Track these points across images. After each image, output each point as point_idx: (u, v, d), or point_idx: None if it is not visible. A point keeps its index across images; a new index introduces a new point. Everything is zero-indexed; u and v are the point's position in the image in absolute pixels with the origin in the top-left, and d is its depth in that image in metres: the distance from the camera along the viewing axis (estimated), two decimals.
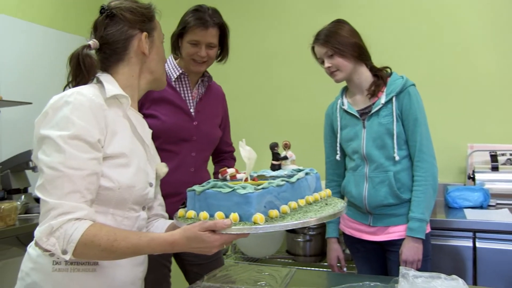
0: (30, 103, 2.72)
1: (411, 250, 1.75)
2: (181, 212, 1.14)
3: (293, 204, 1.08)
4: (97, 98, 1.11)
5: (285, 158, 1.27)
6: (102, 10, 1.22)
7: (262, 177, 1.21)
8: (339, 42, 1.80)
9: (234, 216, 0.99)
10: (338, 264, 2.04)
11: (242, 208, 1.00)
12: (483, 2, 2.84)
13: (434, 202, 1.82)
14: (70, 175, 1.02)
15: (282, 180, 1.09)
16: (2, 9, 2.95)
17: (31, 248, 1.16)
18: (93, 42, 1.21)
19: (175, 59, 1.90)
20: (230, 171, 1.19)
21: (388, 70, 1.90)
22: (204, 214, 1.05)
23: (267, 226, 0.98)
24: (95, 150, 1.07)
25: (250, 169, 1.10)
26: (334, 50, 1.80)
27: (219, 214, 1.02)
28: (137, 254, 1.09)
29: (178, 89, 1.88)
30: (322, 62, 1.87)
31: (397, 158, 1.79)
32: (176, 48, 1.87)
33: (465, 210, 2.38)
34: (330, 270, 2.11)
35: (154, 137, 1.84)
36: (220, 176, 1.21)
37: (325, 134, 2.06)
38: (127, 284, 1.19)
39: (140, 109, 1.82)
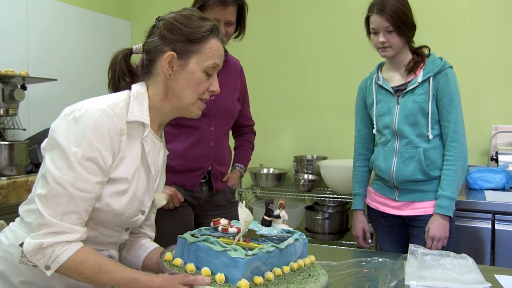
0: (55, 80, 2.80)
1: (439, 228, 1.78)
2: (168, 256, 1.14)
3: (277, 271, 1.09)
4: (120, 121, 1.09)
5: (278, 216, 1.29)
6: (156, 18, 1.21)
7: (252, 233, 1.21)
8: (404, 21, 1.78)
9: (220, 277, 1.01)
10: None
11: (229, 271, 1.01)
12: None
13: (462, 182, 1.85)
14: (74, 196, 1.02)
15: (272, 246, 1.10)
16: None
17: (3, 236, 1.17)
18: (137, 47, 1.22)
19: None
20: (223, 222, 1.21)
21: (427, 49, 1.90)
22: (191, 267, 1.06)
23: None
24: (104, 174, 1.06)
25: (244, 231, 1.12)
26: (397, 29, 1.78)
27: (205, 271, 1.03)
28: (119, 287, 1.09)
29: None
30: (374, 33, 1.84)
31: (430, 136, 1.81)
32: None
33: (486, 191, 2.35)
34: (348, 248, 2.13)
35: None
36: (212, 225, 1.23)
37: (356, 108, 2.07)
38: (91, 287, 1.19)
39: None
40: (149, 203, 1.24)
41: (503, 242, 2.10)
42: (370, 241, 2.09)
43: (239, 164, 2.10)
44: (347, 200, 2.93)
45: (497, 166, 2.55)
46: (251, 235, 1.19)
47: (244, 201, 1.17)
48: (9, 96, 2.56)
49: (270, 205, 1.29)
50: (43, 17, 3.10)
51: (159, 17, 1.20)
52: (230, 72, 1.98)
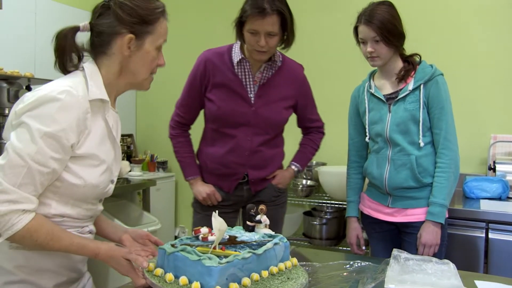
0: None
1: (430, 234, 1.79)
2: (150, 266, 1.18)
3: (255, 276, 1.11)
4: (84, 100, 1.13)
5: (259, 222, 1.32)
6: None
7: (233, 240, 1.25)
8: (391, 31, 1.79)
9: (196, 285, 1.04)
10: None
11: (204, 279, 1.04)
12: None
13: (454, 189, 1.85)
14: (32, 168, 1.05)
15: (249, 252, 1.12)
16: None
17: None
18: (84, 25, 1.22)
19: (240, 44, 1.91)
20: (203, 231, 1.24)
21: (418, 57, 1.91)
22: (169, 276, 1.10)
23: None
24: (64, 152, 1.10)
25: (219, 239, 1.15)
26: (384, 39, 1.79)
27: (183, 280, 1.07)
28: (67, 253, 1.17)
29: (239, 74, 1.90)
30: (363, 43, 1.86)
31: (422, 144, 1.82)
32: (240, 35, 1.86)
33: (482, 201, 2.35)
34: (336, 252, 2.14)
35: (211, 121, 1.94)
36: (193, 234, 1.27)
37: (349, 116, 2.09)
38: (78, 262, 1.27)
39: (204, 92, 1.92)
40: (117, 172, 1.32)
41: (496, 252, 2.10)
42: (364, 248, 2.10)
43: (295, 163, 2.14)
44: (344, 206, 2.92)
45: (495, 175, 2.55)
46: (231, 241, 1.22)
47: (217, 211, 1.19)
48: (14, 96, 2.62)
49: (252, 210, 1.32)
50: (51, 20, 3.18)
51: None
52: (283, 80, 1.98)
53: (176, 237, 1.32)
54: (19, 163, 1.05)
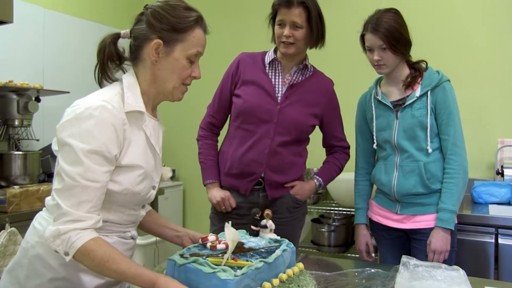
0: (68, 92, 2.89)
1: (440, 241, 1.78)
2: None
3: (267, 285, 1.11)
4: (120, 112, 1.16)
5: (265, 227, 1.33)
6: (144, 6, 1.28)
7: (241, 247, 1.24)
8: (397, 39, 1.80)
9: None
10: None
11: None
12: None
13: (463, 195, 1.85)
14: (86, 186, 1.10)
15: (261, 261, 1.12)
16: (48, 5, 3.14)
17: (36, 223, 1.25)
18: (125, 32, 1.28)
19: (275, 48, 1.98)
20: (211, 238, 1.24)
21: (424, 64, 1.92)
22: None
23: None
24: (110, 164, 1.14)
25: (232, 250, 1.14)
26: (391, 47, 1.80)
27: None
28: (121, 280, 1.14)
29: (269, 74, 1.96)
30: (370, 51, 1.87)
31: (430, 150, 1.82)
32: (273, 34, 1.94)
33: (490, 206, 2.35)
34: (344, 259, 2.14)
35: (235, 117, 1.96)
36: (200, 241, 1.26)
37: (356, 123, 2.09)
38: None
39: (234, 89, 1.97)
40: (158, 178, 1.34)
41: (507, 257, 2.09)
42: (373, 255, 2.09)
43: (317, 177, 2.09)
44: (352, 213, 2.93)
45: (503, 180, 2.54)
46: (239, 249, 1.22)
47: (230, 222, 1.19)
48: (23, 107, 2.65)
49: (257, 215, 1.32)
50: (60, 32, 3.22)
51: (146, 5, 1.26)
52: (312, 87, 2.00)
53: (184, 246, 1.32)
54: (72, 184, 1.09)
